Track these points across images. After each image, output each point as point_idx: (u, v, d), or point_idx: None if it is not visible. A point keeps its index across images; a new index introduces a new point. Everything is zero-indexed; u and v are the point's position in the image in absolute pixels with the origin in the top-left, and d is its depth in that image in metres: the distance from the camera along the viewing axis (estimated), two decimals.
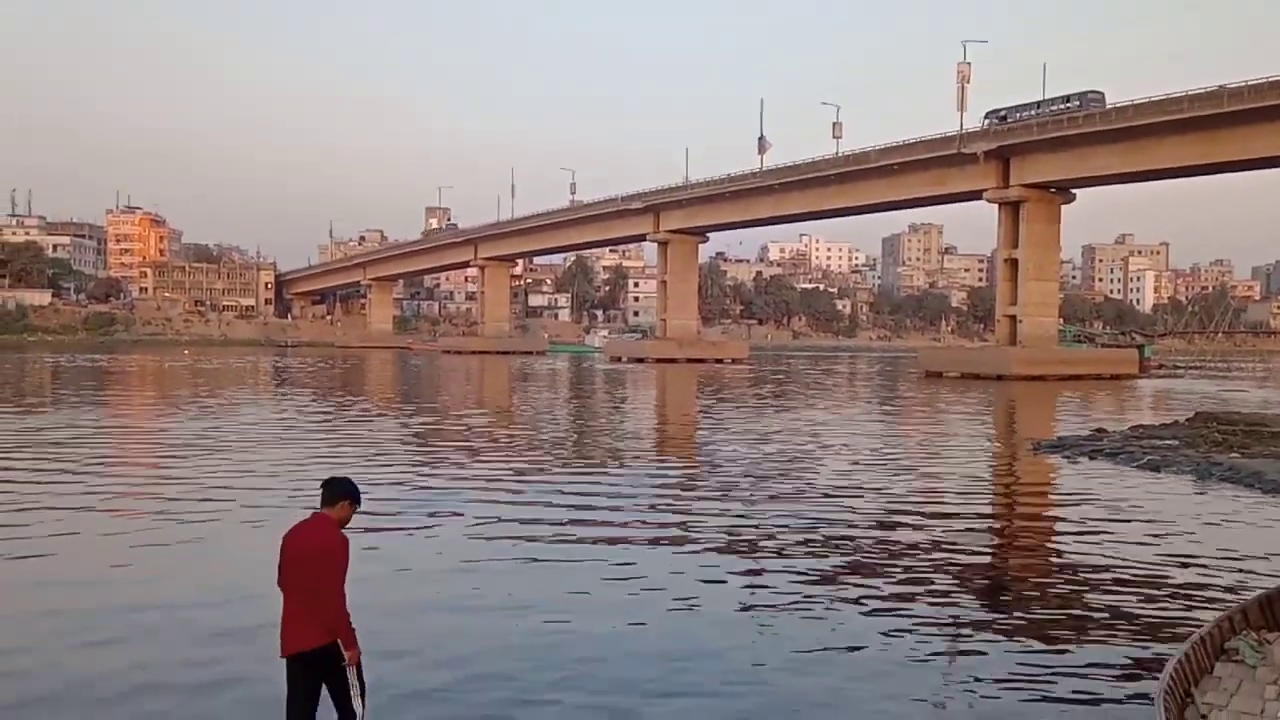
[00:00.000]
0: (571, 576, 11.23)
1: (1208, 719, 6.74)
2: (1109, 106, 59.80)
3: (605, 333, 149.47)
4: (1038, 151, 63.83)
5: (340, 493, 5.44)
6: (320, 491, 5.53)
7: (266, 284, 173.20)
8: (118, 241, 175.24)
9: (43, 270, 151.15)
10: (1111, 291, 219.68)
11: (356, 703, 5.31)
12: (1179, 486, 19.01)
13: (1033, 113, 65.44)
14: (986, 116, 68.96)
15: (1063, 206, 68.04)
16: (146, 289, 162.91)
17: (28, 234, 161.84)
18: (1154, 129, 56.86)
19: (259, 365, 79.00)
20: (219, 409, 35.19)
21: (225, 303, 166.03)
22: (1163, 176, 63.60)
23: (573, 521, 14.50)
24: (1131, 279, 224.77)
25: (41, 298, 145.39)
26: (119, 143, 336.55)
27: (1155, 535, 14.29)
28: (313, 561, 5.24)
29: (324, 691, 5.42)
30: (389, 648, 8.09)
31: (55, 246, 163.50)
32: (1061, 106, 63.55)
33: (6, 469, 19.28)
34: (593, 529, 13.97)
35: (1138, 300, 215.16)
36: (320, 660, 5.29)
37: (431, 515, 14.81)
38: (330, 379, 60.85)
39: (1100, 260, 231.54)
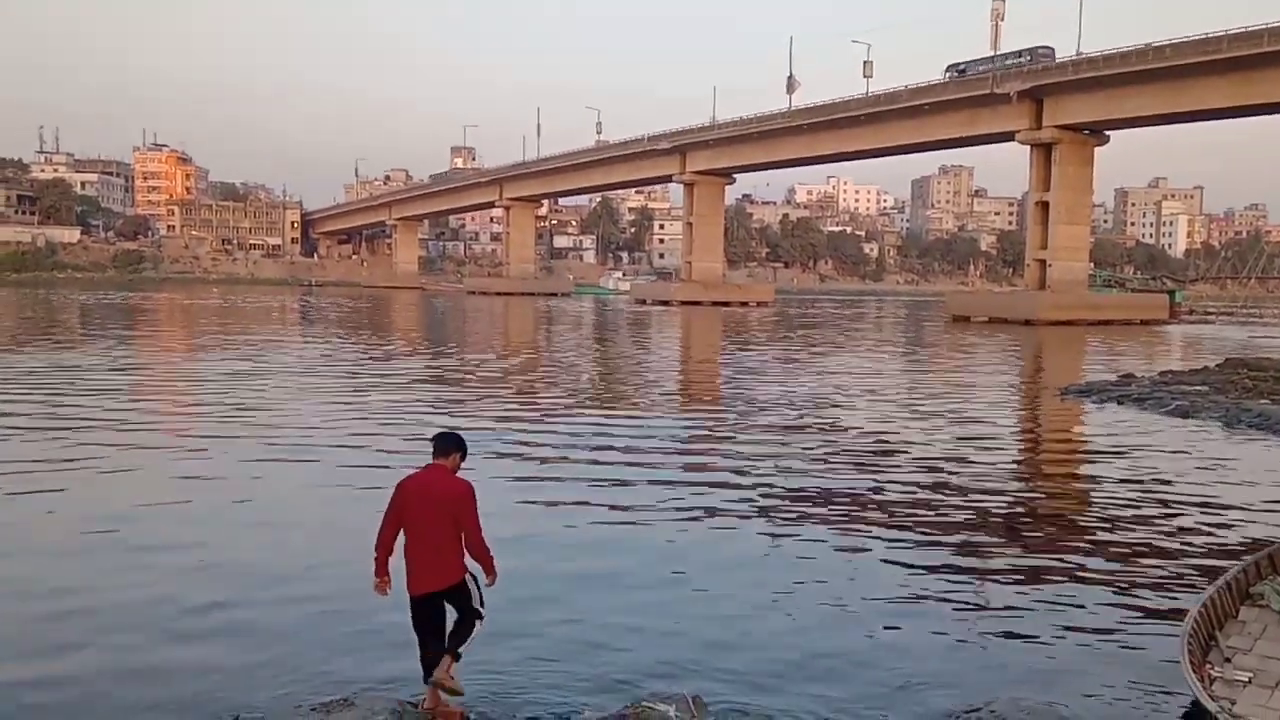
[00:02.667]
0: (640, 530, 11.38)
1: (1232, 662, 6.81)
2: (1146, 45, 58.57)
3: (619, 275, 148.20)
4: (1072, 92, 62.76)
5: (451, 446, 5.89)
6: (432, 445, 5.96)
7: (293, 223, 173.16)
8: (145, 179, 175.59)
9: (71, 208, 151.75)
10: (1144, 236, 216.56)
11: (480, 608, 5.83)
12: (1207, 432, 18.94)
13: (988, 66, 68.57)
14: (947, 70, 73.02)
15: (1096, 149, 67.01)
16: (174, 227, 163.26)
17: (56, 171, 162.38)
18: (1192, 69, 55.70)
19: (288, 305, 79.47)
20: (271, 350, 35.51)
21: (252, 241, 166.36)
22: (1199, 118, 62.46)
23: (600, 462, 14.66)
24: (1164, 223, 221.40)
25: (70, 235, 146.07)
26: (147, 82, 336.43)
27: (1182, 481, 14.30)
28: (449, 505, 5.68)
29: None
30: None
31: (83, 184, 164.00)
32: (1014, 60, 67.33)
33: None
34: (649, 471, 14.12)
35: (1170, 245, 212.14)
36: (450, 594, 5.76)
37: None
38: (358, 320, 61.19)
39: (1133, 204, 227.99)
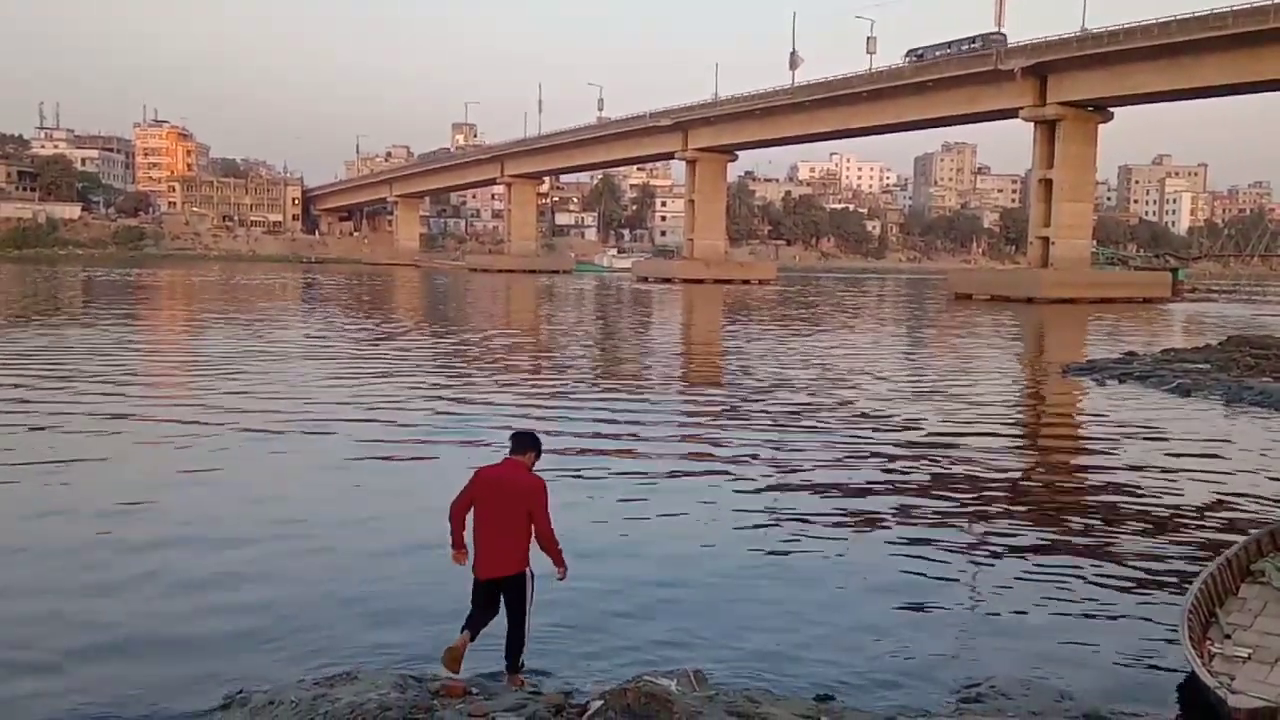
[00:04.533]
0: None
1: (1232, 639, 6.84)
2: (1152, 22, 58.22)
3: (614, 252, 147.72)
4: (1076, 69, 62.38)
5: (529, 444, 6.21)
6: (510, 442, 6.23)
7: (294, 200, 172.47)
8: (145, 155, 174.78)
9: (72, 184, 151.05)
10: (1147, 213, 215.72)
11: (529, 612, 6.10)
12: (1209, 410, 18.96)
13: (944, 52, 70.45)
14: (907, 55, 74.41)
15: (1100, 126, 66.70)
16: (175, 203, 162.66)
17: (56, 147, 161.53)
18: (1197, 45, 55.36)
19: (290, 282, 79.39)
20: (279, 327, 35.53)
21: (253, 218, 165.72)
22: (1204, 95, 62.11)
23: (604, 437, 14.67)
24: (1168, 201, 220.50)
25: (71, 211, 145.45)
26: (147, 57, 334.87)
27: (1183, 458, 14.32)
28: (523, 498, 5.97)
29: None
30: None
31: (84, 160, 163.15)
32: (969, 46, 68.70)
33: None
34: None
35: (1173, 223, 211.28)
36: (509, 584, 6.03)
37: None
38: (361, 297, 61.15)
39: (1136, 181, 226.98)
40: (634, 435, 15.31)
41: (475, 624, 6.10)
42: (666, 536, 9.96)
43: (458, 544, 6.11)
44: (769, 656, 6.88)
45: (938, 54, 71.19)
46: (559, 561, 6.10)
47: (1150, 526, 10.56)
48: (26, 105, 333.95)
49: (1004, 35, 68.05)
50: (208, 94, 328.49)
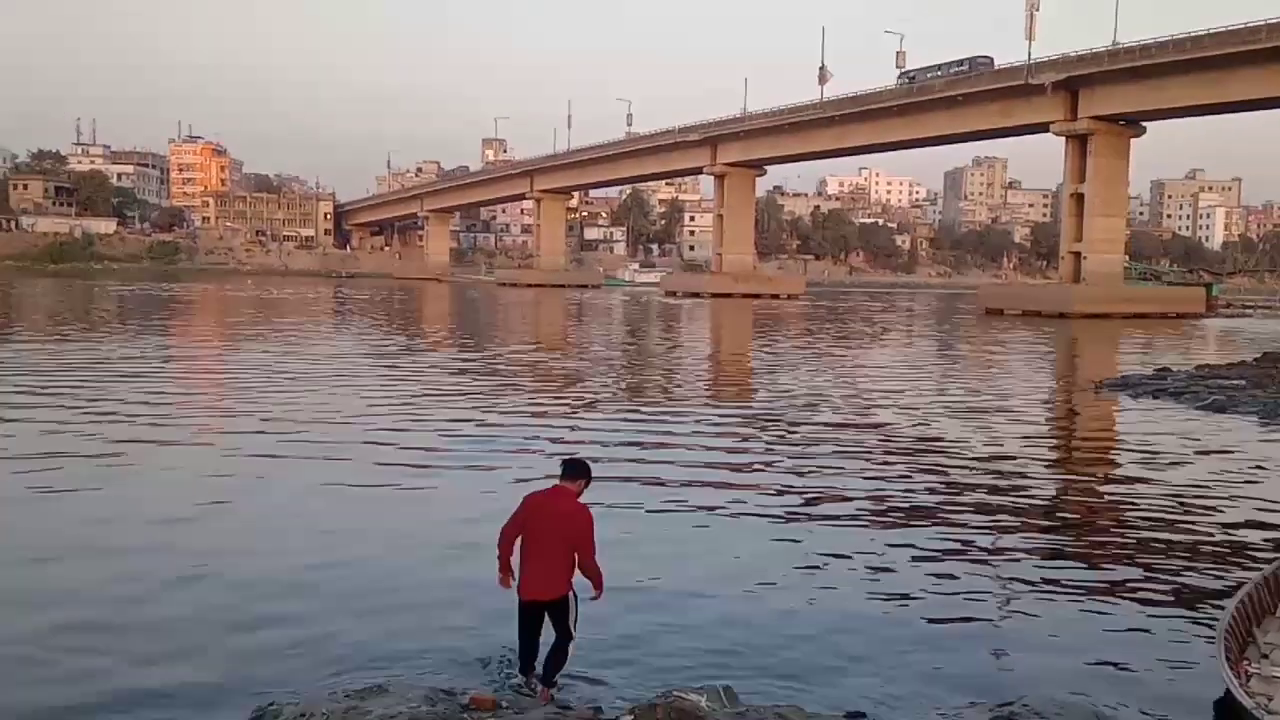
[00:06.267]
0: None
1: (1269, 658, 6.75)
2: (1185, 35, 57.81)
3: (635, 266, 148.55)
4: (1108, 83, 61.98)
5: (579, 473, 6.30)
6: (561, 469, 6.34)
7: (326, 215, 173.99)
8: (180, 171, 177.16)
9: (108, 199, 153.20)
10: (1180, 228, 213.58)
11: (574, 629, 6.20)
12: (1244, 427, 18.72)
13: (935, 75, 73.11)
14: (900, 78, 77.19)
15: (1132, 140, 66.22)
16: (209, 218, 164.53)
17: (93, 163, 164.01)
18: (1231, 59, 54.88)
19: (323, 295, 79.99)
20: (308, 343, 35.82)
21: (285, 233, 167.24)
22: (1238, 109, 61.58)
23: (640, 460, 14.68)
24: (1201, 215, 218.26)
25: (107, 226, 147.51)
26: (182, 74, 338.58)
27: (1218, 476, 14.15)
28: (568, 522, 6.09)
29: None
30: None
31: (120, 175, 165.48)
32: (957, 69, 71.61)
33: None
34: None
35: (1207, 238, 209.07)
36: (553, 606, 6.14)
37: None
38: (391, 311, 61.52)
39: (1169, 196, 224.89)
40: (664, 448, 15.30)
41: (529, 659, 6.30)
42: (697, 552, 9.94)
43: (504, 568, 6.23)
44: (800, 673, 6.84)
45: (928, 76, 73.76)
46: (598, 585, 6.23)
47: (1185, 544, 10.43)
48: (64, 122, 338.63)
49: (991, 59, 70.73)
50: (242, 110, 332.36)
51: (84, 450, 14.00)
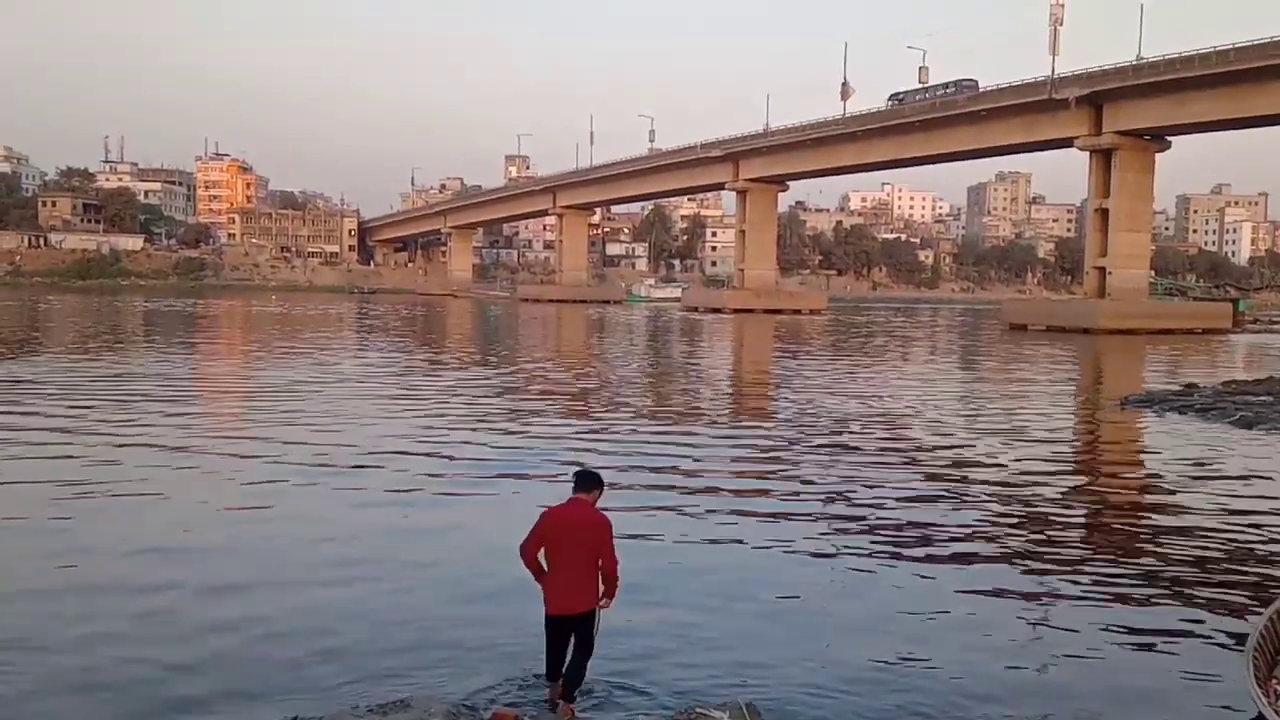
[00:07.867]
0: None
1: None
2: (1209, 49, 57.47)
3: (651, 282, 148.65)
4: (1132, 97, 61.69)
5: (592, 483, 6.41)
6: (574, 481, 6.45)
7: (350, 231, 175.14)
8: (206, 188, 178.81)
9: (135, 216, 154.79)
10: (1206, 243, 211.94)
11: (595, 639, 6.30)
12: (1272, 443, 18.54)
13: (922, 97, 76.12)
14: (889, 99, 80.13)
15: (1157, 155, 65.80)
16: (234, 235, 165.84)
17: (120, 180, 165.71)
18: (1256, 73, 54.53)
19: (347, 313, 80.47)
20: (333, 358, 36.03)
21: (310, 249, 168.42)
22: (1264, 123, 61.05)
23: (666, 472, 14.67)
24: (1227, 230, 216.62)
25: (134, 243, 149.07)
26: (209, 92, 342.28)
27: (1246, 493, 14.02)
28: (590, 533, 6.17)
29: None
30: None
31: (146, 193, 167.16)
32: (942, 91, 74.62)
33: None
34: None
35: (1233, 253, 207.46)
36: (579, 621, 6.23)
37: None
38: (418, 328, 61.80)
39: (1195, 211, 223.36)
40: (692, 464, 15.29)
41: (556, 668, 6.33)
42: (721, 568, 9.94)
43: (540, 578, 6.29)
44: (823, 689, 6.82)
45: (917, 98, 76.38)
46: (611, 594, 6.29)
47: (1214, 561, 10.34)
48: (93, 140, 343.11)
49: (975, 81, 73.76)
50: (268, 128, 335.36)
51: (104, 478, 14.13)
